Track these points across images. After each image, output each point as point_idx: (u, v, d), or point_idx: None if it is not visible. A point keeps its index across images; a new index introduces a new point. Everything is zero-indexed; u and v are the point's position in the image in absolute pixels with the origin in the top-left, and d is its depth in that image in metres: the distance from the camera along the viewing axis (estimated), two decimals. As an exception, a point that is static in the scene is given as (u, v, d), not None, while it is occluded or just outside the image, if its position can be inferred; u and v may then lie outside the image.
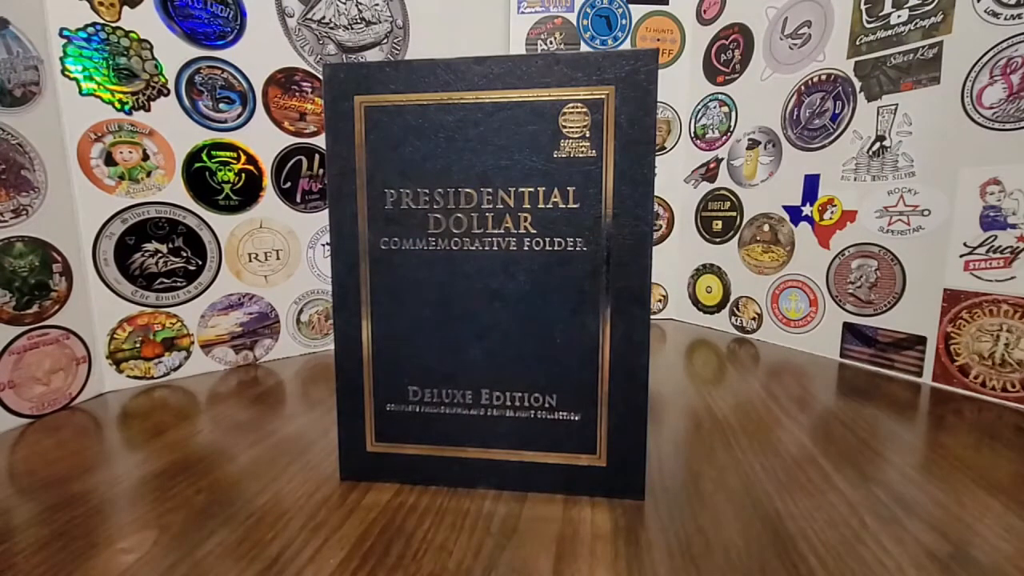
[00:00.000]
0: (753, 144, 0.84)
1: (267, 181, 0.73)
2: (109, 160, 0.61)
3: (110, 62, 0.60)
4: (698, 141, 0.94)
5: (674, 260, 0.99)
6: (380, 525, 0.35)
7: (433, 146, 0.37)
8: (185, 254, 0.67)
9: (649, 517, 0.36)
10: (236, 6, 0.68)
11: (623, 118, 0.35)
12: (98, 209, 0.60)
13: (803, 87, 0.76)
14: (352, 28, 0.77)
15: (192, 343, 0.68)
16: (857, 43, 0.69)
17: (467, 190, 0.37)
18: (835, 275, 0.73)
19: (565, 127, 0.36)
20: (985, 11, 0.56)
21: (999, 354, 0.56)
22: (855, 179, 0.70)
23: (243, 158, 0.70)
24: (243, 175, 0.70)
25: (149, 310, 0.65)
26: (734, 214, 0.88)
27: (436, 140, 0.37)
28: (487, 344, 0.39)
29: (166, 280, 0.66)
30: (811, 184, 0.75)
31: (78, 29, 0.57)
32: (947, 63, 0.60)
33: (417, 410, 0.40)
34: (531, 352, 0.38)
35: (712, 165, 0.92)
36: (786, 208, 0.80)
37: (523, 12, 0.93)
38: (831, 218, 0.73)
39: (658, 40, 0.94)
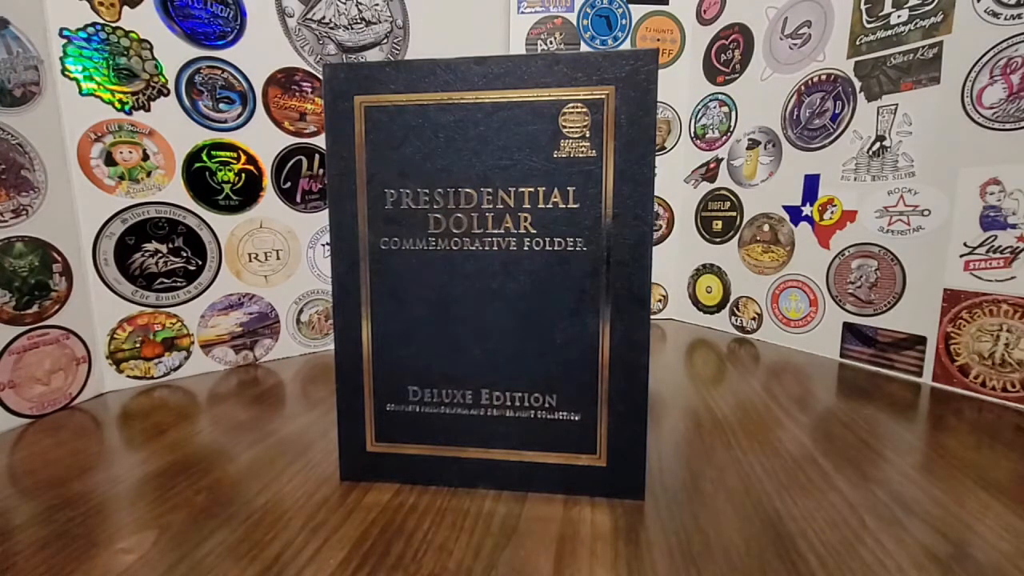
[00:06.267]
0: (753, 144, 0.84)
1: (267, 181, 0.73)
2: (109, 160, 0.61)
3: (110, 62, 0.60)
4: (698, 141, 0.94)
5: (674, 260, 0.99)
6: (380, 525, 0.35)
7: (433, 146, 0.37)
8: (185, 254, 0.67)
9: (649, 517, 0.36)
10: (236, 6, 0.68)
11: (623, 118, 0.35)
12: (98, 209, 0.60)
13: (803, 87, 0.76)
14: (352, 28, 0.77)
15: (192, 343, 0.68)
16: (857, 43, 0.69)
17: (467, 190, 0.37)
18: (835, 275, 0.73)
19: (565, 127, 0.36)
20: (985, 11, 0.56)
21: (999, 354, 0.56)
22: (855, 179, 0.70)
23: (243, 158, 0.70)
24: (243, 175, 0.70)
25: (149, 310, 0.65)
26: (734, 214, 0.88)
27: (436, 140, 0.37)
28: (487, 344, 0.39)
29: (166, 280, 0.66)
30: (811, 184, 0.75)
31: (78, 29, 0.57)
32: (947, 63, 0.60)
33: (417, 410, 0.40)
34: (531, 352, 0.38)
35: (712, 165, 0.92)
36: (786, 208, 0.80)
37: (523, 12, 0.93)
38: (831, 218, 0.73)
39: (658, 40, 0.94)
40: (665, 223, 1.00)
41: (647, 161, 0.35)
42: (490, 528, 0.35)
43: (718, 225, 0.91)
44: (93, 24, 0.58)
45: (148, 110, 0.63)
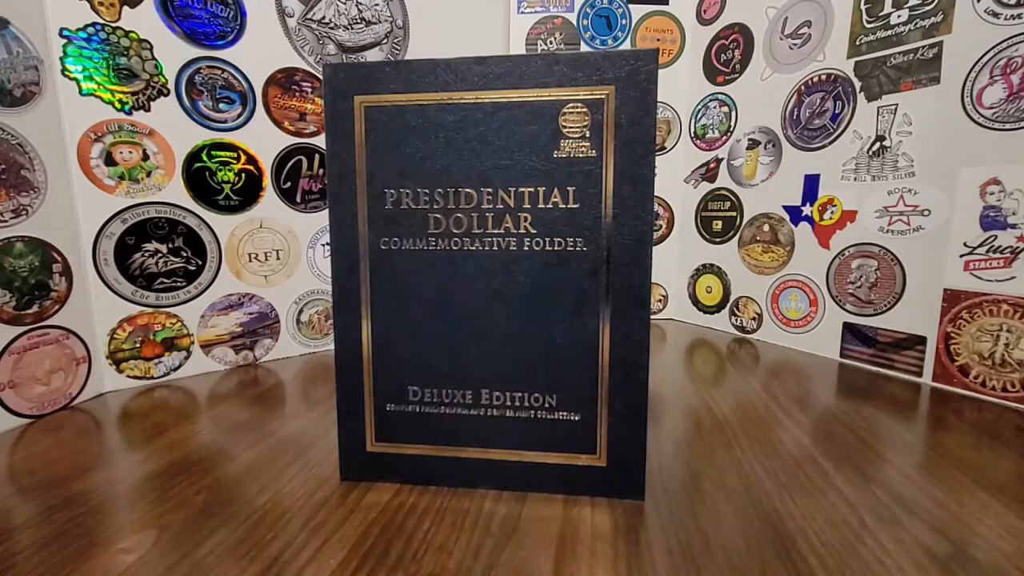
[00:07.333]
0: (753, 144, 0.84)
1: (267, 181, 0.73)
2: (109, 160, 0.61)
3: (110, 62, 0.60)
4: (698, 141, 0.94)
5: (674, 260, 0.99)
6: (380, 525, 0.35)
7: (433, 146, 0.37)
8: (185, 254, 0.67)
9: (649, 517, 0.36)
10: (236, 6, 0.68)
11: (623, 118, 0.35)
12: (98, 209, 0.60)
13: (803, 87, 0.76)
14: (352, 28, 0.77)
15: (192, 343, 0.68)
16: (857, 43, 0.69)
17: (467, 190, 0.37)
18: (835, 275, 0.73)
19: (565, 127, 0.36)
20: (985, 11, 0.56)
21: (999, 354, 0.56)
22: (855, 179, 0.70)
23: (243, 158, 0.70)
24: (243, 175, 0.70)
25: (149, 310, 0.65)
26: (734, 214, 0.88)
27: (436, 140, 0.37)
28: (487, 344, 0.39)
29: (166, 280, 0.66)
30: (811, 184, 0.75)
31: (78, 29, 0.57)
32: (947, 63, 0.60)
33: (417, 410, 0.40)
34: (531, 352, 0.38)
35: (712, 165, 0.92)
36: (786, 208, 0.80)
37: (523, 12, 0.93)
38: (831, 218, 0.73)
39: (658, 40, 0.94)
40: (665, 223, 1.00)
41: (647, 161, 0.35)
42: (490, 528, 0.35)
43: (718, 225, 0.91)
44: (93, 24, 0.58)
45: (148, 110, 0.63)
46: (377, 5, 0.78)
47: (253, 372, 0.70)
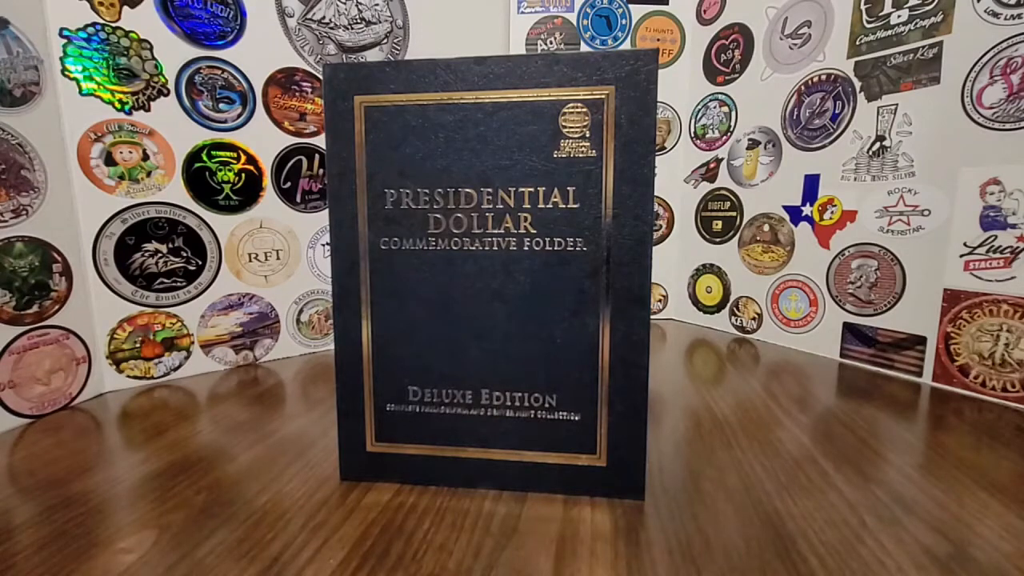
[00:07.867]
0: (753, 144, 0.84)
1: (267, 181, 0.73)
2: (109, 160, 0.61)
3: (110, 62, 0.60)
4: (698, 141, 0.94)
5: (674, 260, 0.99)
6: (380, 525, 0.35)
7: (433, 146, 0.37)
8: (185, 254, 0.67)
9: (649, 517, 0.36)
10: (236, 6, 0.68)
11: (623, 118, 0.35)
12: (98, 209, 0.60)
13: (803, 87, 0.76)
14: (352, 28, 0.77)
15: (192, 343, 0.68)
16: (857, 43, 0.69)
17: (467, 190, 0.37)
18: (835, 275, 0.73)
19: (565, 127, 0.36)
20: (985, 11, 0.56)
21: (999, 354, 0.56)
22: (855, 179, 0.70)
23: (243, 158, 0.70)
24: (243, 175, 0.70)
25: (149, 310, 0.65)
26: (734, 214, 0.88)
27: (436, 140, 0.37)
28: (487, 344, 0.39)
29: (166, 280, 0.66)
30: (811, 184, 0.75)
31: (78, 29, 0.57)
32: (947, 63, 0.60)
33: (417, 410, 0.40)
34: (531, 352, 0.38)
35: (712, 165, 0.92)
36: (786, 208, 0.80)
37: (523, 12, 0.93)
38: (831, 218, 0.73)
39: (658, 40, 0.94)
40: (665, 223, 1.00)
41: (647, 161, 0.35)
42: (490, 528, 0.35)
43: (718, 225, 0.91)
44: (93, 24, 0.58)
45: (148, 110, 0.63)
46: (377, 5, 0.78)
47: (253, 372, 0.70)
